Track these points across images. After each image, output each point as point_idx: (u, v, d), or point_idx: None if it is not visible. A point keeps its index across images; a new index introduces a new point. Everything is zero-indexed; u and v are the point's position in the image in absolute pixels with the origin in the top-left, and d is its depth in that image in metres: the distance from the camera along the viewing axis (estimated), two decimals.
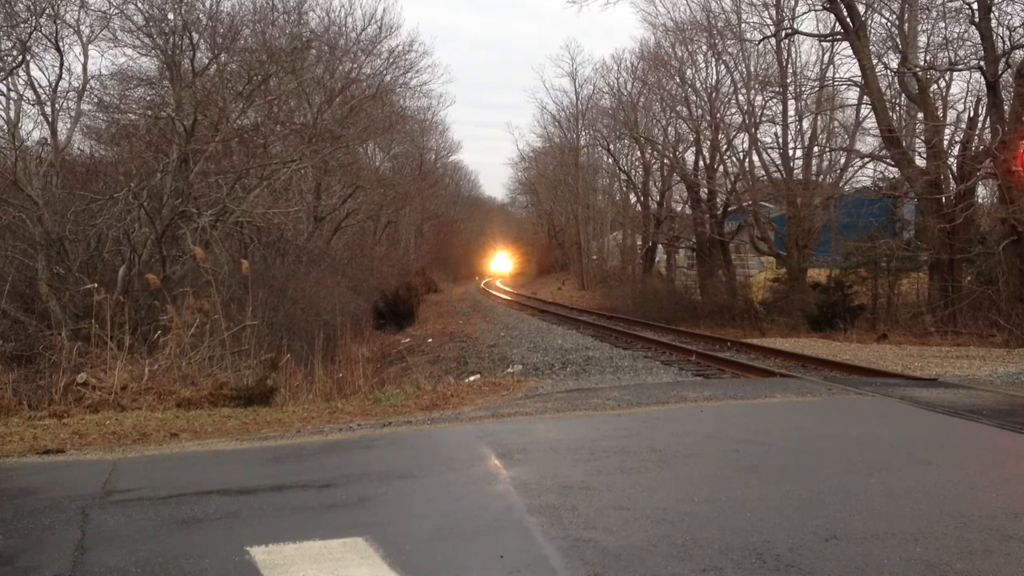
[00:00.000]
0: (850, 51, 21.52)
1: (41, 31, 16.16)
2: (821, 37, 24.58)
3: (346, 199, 27.94)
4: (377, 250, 35.81)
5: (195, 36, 19.06)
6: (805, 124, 28.21)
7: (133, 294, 12.38)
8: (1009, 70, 17.90)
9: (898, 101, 23.90)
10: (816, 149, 28.10)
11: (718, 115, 30.38)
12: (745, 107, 28.71)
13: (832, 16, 21.89)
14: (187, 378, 9.57)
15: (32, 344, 11.32)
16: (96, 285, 10.55)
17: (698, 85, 32.03)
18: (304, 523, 4.56)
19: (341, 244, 29.25)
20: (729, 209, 31.01)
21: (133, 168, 14.61)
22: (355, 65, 31.00)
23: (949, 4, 19.96)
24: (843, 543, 4.09)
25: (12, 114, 16.39)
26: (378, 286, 29.55)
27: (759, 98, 28.81)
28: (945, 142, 20.25)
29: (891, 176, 23.91)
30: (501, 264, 78.31)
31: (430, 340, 22.24)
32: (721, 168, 31.47)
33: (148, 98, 20.12)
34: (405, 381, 12.46)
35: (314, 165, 22.38)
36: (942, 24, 21.33)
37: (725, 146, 30.93)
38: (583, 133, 52.10)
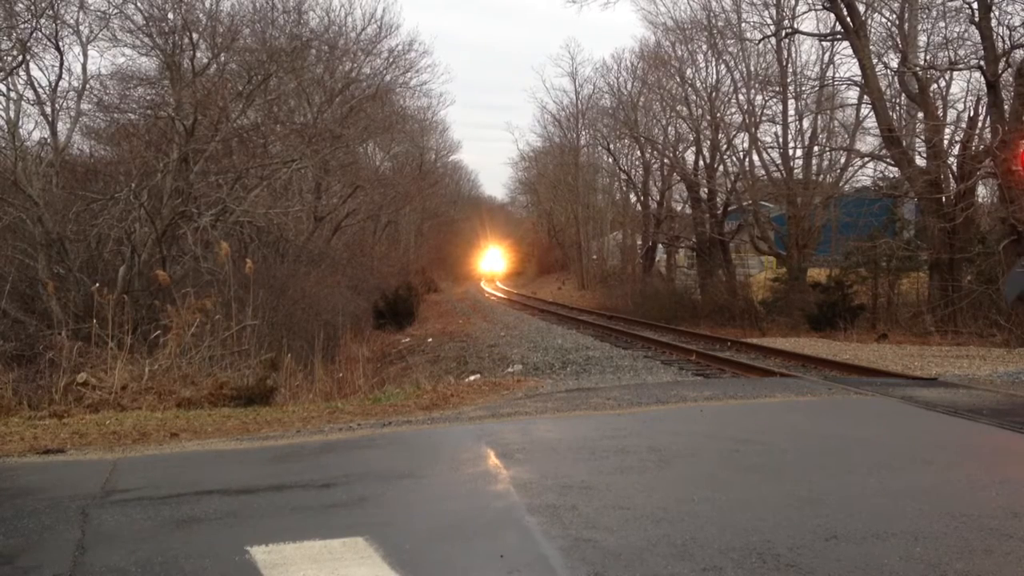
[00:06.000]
0: (850, 51, 21.55)
1: (41, 31, 16.14)
2: (821, 37, 24.57)
3: (346, 199, 27.90)
4: (377, 250, 35.77)
5: (195, 36, 19.08)
6: (805, 124, 28.22)
7: (133, 294, 12.38)
8: (1009, 69, 17.90)
9: (898, 101, 23.87)
10: (816, 149, 28.08)
11: (718, 115, 30.37)
12: (745, 107, 28.70)
13: (832, 16, 21.90)
14: (187, 378, 9.57)
15: (32, 344, 11.30)
16: (97, 285, 10.55)
17: (698, 84, 32.03)
18: (304, 523, 4.57)
19: (341, 244, 29.20)
20: (729, 209, 30.99)
21: (133, 168, 14.58)
22: (355, 65, 31.02)
23: (949, 4, 20.00)
24: (843, 543, 4.09)
25: (12, 114, 16.36)
26: (378, 286, 29.51)
27: (759, 98, 28.83)
28: (945, 142, 20.21)
29: (891, 176, 23.89)
30: (494, 262, 73.91)
31: (430, 340, 22.23)
32: (721, 168, 31.46)
33: (148, 98, 20.13)
34: (405, 381, 12.46)
35: (314, 165, 22.34)
36: (942, 24, 21.34)
37: (725, 146, 30.92)
38: (583, 133, 52.10)
